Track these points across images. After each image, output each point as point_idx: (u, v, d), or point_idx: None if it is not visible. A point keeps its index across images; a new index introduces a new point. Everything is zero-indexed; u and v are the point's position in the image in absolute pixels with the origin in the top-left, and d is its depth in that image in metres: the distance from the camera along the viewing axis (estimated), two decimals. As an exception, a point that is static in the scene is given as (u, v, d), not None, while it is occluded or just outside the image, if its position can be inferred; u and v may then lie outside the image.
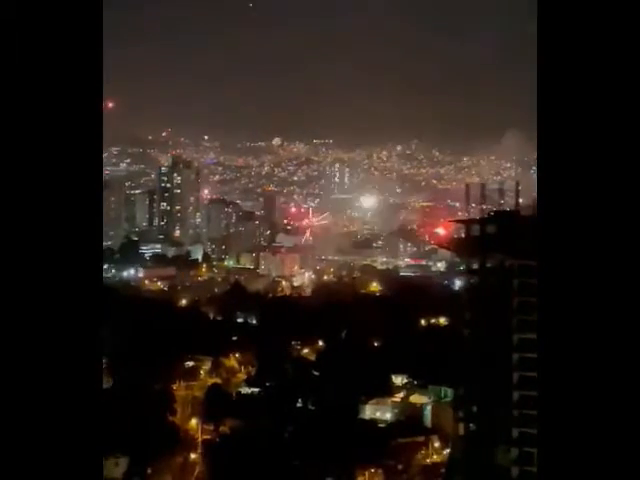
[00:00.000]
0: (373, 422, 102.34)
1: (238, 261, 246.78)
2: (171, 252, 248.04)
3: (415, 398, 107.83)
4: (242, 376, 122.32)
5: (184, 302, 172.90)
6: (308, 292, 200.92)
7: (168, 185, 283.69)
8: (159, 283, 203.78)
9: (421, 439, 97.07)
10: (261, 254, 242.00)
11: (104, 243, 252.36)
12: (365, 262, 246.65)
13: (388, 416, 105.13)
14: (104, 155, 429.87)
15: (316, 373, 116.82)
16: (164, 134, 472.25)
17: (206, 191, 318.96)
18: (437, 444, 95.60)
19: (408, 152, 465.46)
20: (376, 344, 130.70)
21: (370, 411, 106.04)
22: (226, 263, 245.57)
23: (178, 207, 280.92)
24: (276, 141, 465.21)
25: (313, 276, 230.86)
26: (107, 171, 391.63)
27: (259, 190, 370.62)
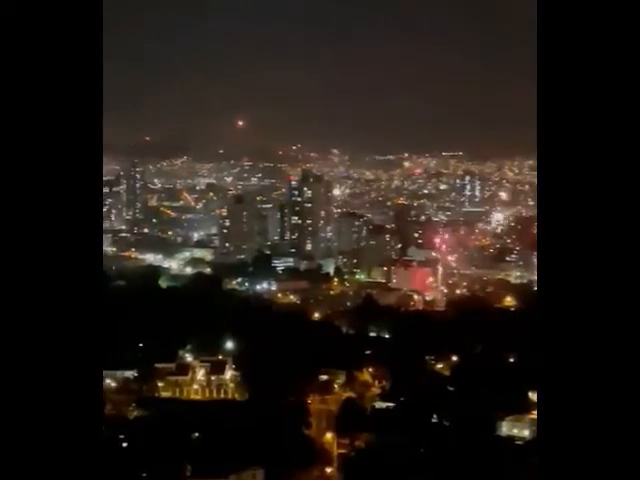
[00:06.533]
0: (510, 439, 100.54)
1: (369, 275, 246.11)
2: (303, 265, 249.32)
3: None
4: (376, 390, 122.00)
5: (317, 315, 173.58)
6: (441, 306, 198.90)
7: (299, 199, 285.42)
8: (292, 296, 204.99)
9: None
10: (392, 268, 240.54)
11: (238, 257, 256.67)
12: (499, 276, 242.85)
13: (526, 433, 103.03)
14: (235, 170, 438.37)
15: (451, 388, 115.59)
16: (294, 148, 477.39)
17: (336, 204, 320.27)
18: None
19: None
20: (512, 360, 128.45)
21: (507, 427, 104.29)
22: (357, 277, 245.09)
23: (309, 221, 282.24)
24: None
25: (446, 290, 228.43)
26: (239, 186, 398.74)
27: (389, 203, 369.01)
